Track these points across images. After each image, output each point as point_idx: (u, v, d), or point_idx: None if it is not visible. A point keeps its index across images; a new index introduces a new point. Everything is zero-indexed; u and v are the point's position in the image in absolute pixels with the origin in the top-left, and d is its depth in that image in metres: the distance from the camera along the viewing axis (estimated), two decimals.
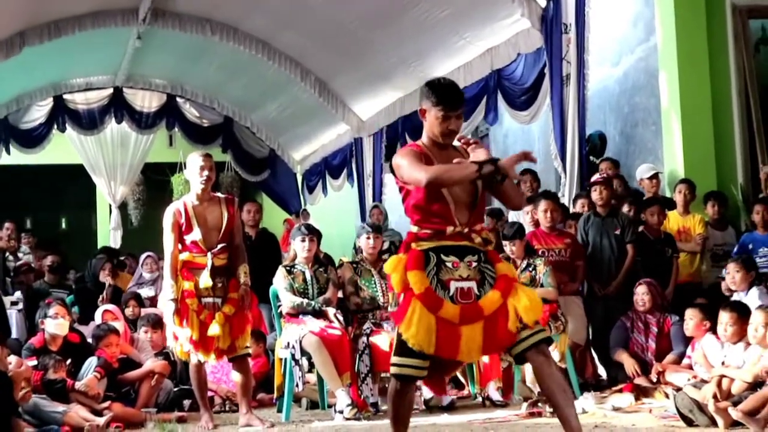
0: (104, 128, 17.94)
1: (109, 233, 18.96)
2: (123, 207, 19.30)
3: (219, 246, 7.34)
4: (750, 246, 9.11)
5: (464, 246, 4.95)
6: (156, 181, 19.79)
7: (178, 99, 17.90)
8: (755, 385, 6.53)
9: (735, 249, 9.24)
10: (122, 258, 13.52)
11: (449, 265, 4.89)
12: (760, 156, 10.22)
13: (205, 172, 7.34)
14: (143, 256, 12.04)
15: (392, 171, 5.13)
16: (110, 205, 19.28)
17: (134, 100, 17.70)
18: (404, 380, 4.93)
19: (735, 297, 7.83)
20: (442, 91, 5.01)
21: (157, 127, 18.22)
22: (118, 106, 17.55)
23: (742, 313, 7.12)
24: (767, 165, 10.01)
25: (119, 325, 9.15)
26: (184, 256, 7.35)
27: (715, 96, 10.25)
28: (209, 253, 7.29)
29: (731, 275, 7.97)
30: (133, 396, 8.36)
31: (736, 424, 6.38)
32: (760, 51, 10.65)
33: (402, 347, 4.84)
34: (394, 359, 4.93)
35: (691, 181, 9.76)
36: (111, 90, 17.47)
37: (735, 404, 6.42)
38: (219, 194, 7.66)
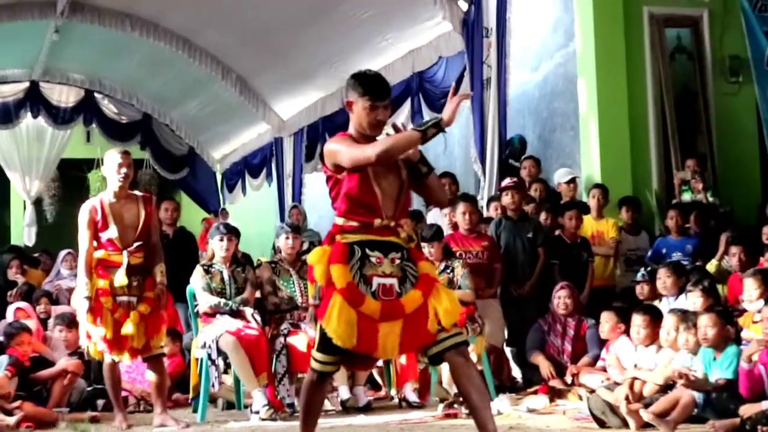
0: (19, 122, 17.56)
1: (23, 230, 18.61)
2: (38, 203, 18.94)
3: (135, 244, 7.23)
4: (663, 250, 9.26)
5: (389, 242, 4.87)
6: (72, 178, 19.43)
7: (96, 94, 17.59)
8: (666, 388, 6.63)
9: (648, 254, 9.38)
10: (36, 255, 13.25)
11: (373, 260, 4.81)
12: (674, 162, 10.39)
13: (123, 170, 7.22)
14: (63, 252, 11.78)
15: (322, 160, 5.11)
16: (25, 201, 18.90)
17: (51, 95, 17.36)
18: (322, 375, 4.91)
19: (665, 302, 7.91)
20: (368, 81, 4.92)
21: (75, 122, 17.89)
22: (34, 100, 17.20)
23: (654, 316, 7.22)
24: (681, 171, 10.18)
25: (32, 323, 8.94)
26: (100, 253, 7.22)
27: (632, 103, 10.37)
28: (125, 252, 7.18)
29: (662, 280, 8.04)
30: (45, 395, 8.16)
31: (647, 425, 6.45)
32: (676, 59, 10.79)
33: (323, 342, 4.77)
34: (315, 354, 4.88)
35: (605, 186, 9.86)
36: (27, 84, 17.12)
37: (646, 406, 6.50)
38: (136, 192, 7.57)
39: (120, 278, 7.14)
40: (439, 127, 4.73)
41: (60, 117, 17.53)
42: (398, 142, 4.77)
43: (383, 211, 4.85)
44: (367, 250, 4.81)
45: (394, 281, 4.82)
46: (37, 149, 18.30)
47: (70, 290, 10.84)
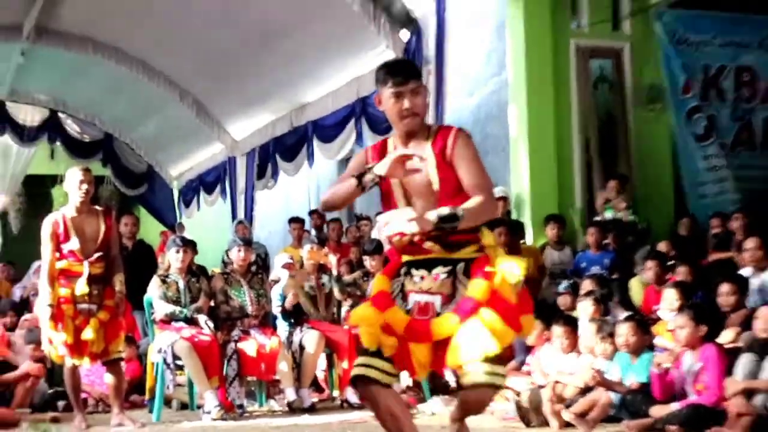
0: None
1: None
2: (3, 216, 18.82)
3: (96, 255, 7.26)
4: (583, 264, 9.38)
5: (432, 259, 4.05)
6: (37, 192, 19.32)
7: (60, 114, 17.43)
8: (585, 390, 6.78)
9: (571, 267, 9.53)
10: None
11: (416, 278, 4.08)
12: (596, 183, 10.54)
13: (84, 186, 7.27)
14: (35, 264, 11.83)
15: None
16: None
17: (17, 114, 17.17)
18: (361, 381, 4.04)
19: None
20: (389, 65, 4.17)
21: (39, 140, 17.75)
22: (0, 119, 17.04)
23: (573, 326, 7.37)
24: (604, 191, 10.33)
25: None
26: (62, 264, 7.25)
27: (558, 128, 10.47)
28: (86, 262, 7.22)
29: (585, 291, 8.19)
30: (8, 397, 8.21)
31: (568, 425, 6.62)
32: (598, 88, 10.93)
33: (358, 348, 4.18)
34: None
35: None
36: None
37: (568, 407, 6.67)
38: (97, 207, 7.60)
39: (81, 287, 7.17)
40: (373, 173, 3.94)
41: (25, 135, 17.35)
42: (337, 191, 4.09)
43: None
44: (413, 269, 4.10)
45: (434, 299, 4.03)
46: (2, 165, 18.21)
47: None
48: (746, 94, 11.45)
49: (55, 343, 7.20)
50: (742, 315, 7.04)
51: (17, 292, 11.58)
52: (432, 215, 3.72)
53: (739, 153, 11.36)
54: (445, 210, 3.73)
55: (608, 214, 10.11)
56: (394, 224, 3.73)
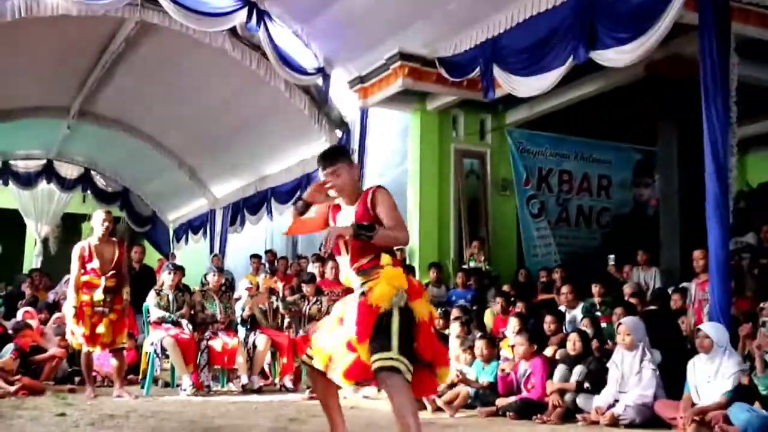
0: (37, 186, 17.06)
1: (33, 259, 17.88)
2: (45, 241, 18.26)
3: (110, 273, 7.00)
4: (453, 298, 9.37)
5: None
6: (71, 225, 18.78)
7: (92, 171, 17.10)
8: (452, 385, 6.69)
9: (445, 299, 9.49)
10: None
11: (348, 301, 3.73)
12: (464, 242, 10.58)
13: (105, 223, 7.07)
14: (65, 277, 11.33)
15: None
16: (36, 239, 18.17)
17: (61, 169, 16.84)
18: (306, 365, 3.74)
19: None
20: (319, 155, 3.89)
21: (75, 189, 17.41)
22: (49, 172, 16.67)
23: (445, 340, 7.25)
24: (469, 248, 10.37)
25: (33, 322, 8.59)
26: (86, 278, 6.98)
27: (440, 204, 10.49)
28: (103, 278, 6.94)
29: (454, 316, 8.07)
30: (38, 372, 7.82)
31: (438, 409, 6.52)
32: (469, 178, 10.94)
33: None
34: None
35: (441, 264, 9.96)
36: (45, 161, 16.55)
37: (439, 396, 6.56)
38: (114, 239, 7.31)
39: (98, 295, 6.92)
40: (302, 199, 3.75)
41: (65, 184, 17.06)
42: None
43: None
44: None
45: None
46: (47, 205, 17.84)
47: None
48: (565, 188, 11.67)
49: (76, 334, 6.95)
50: (560, 338, 7.06)
51: (51, 297, 11.09)
52: (352, 224, 3.57)
53: (560, 228, 11.55)
54: (364, 223, 3.58)
55: (472, 264, 10.15)
56: (331, 237, 3.54)
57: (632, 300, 7.33)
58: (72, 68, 11.85)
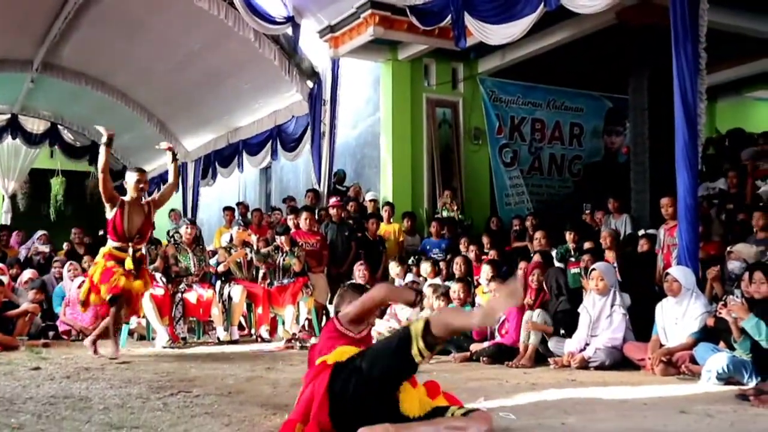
0: (2, 142, 16.61)
1: (1, 215, 17.58)
2: (13, 197, 17.95)
3: (136, 238, 6.46)
4: (427, 247, 9.44)
5: None
6: (39, 181, 18.49)
7: (59, 126, 16.69)
8: None
9: (419, 248, 9.56)
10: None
11: None
12: (438, 190, 10.64)
13: (140, 185, 6.64)
14: (39, 232, 11.41)
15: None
16: (3, 196, 17.83)
17: (26, 124, 16.41)
18: None
19: (428, 281, 8.03)
20: None
21: (42, 144, 16.96)
22: (14, 127, 16.23)
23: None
24: (442, 197, 10.43)
25: (5, 278, 8.48)
26: (114, 245, 6.39)
27: (414, 153, 10.56)
28: (131, 248, 6.39)
29: (424, 268, 8.16)
30: (11, 328, 7.73)
31: None
32: (441, 127, 11.00)
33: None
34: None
35: (392, 203, 10.00)
36: (9, 115, 16.12)
37: None
38: (143, 202, 6.73)
39: (128, 264, 6.34)
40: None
41: (32, 140, 16.63)
42: None
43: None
44: None
45: None
46: (14, 161, 17.41)
47: (41, 253, 10.44)
48: (538, 137, 11.73)
49: (102, 293, 6.29)
50: (525, 279, 7.13)
51: (23, 252, 10.98)
52: None
53: (532, 176, 11.64)
54: None
55: (445, 213, 10.21)
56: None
57: (609, 246, 7.30)
58: (33, 19, 11.53)
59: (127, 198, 6.58)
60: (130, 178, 6.68)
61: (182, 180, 15.38)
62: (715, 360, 4.84)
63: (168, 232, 11.57)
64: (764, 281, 4.90)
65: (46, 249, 10.79)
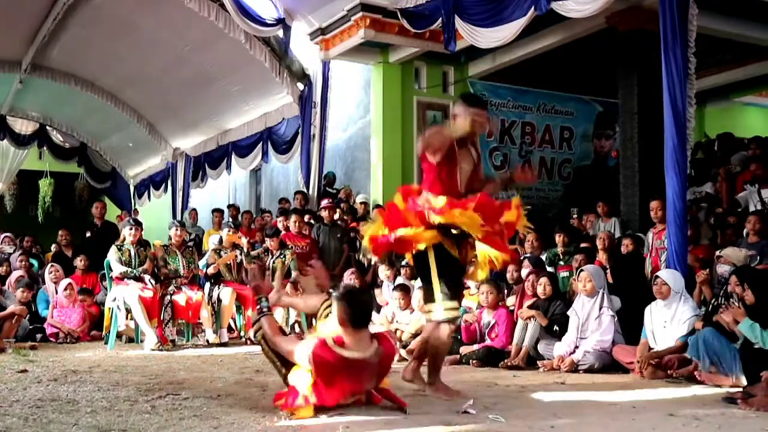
0: None
1: None
2: (1, 199, 17.86)
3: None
4: None
5: None
6: (27, 182, 18.40)
7: (47, 127, 16.57)
8: (416, 335, 6.75)
9: None
10: None
11: None
12: None
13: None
14: (2, 235, 11.11)
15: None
16: None
17: (14, 125, 16.29)
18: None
19: (418, 281, 8.01)
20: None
21: (31, 145, 16.86)
22: (2, 128, 16.07)
23: (407, 291, 7.33)
24: None
25: None
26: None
27: (404, 157, 10.52)
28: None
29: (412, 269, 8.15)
30: None
31: (402, 359, 6.59)
32: None
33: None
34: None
35: (382, 206, 9.90)
36: None
37: (404, 347, 6.64)
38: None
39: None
40: None
41: (20, 141, 16.53)
42: None
43: None
44: None
45: None
46: (1, 162, 17.39)
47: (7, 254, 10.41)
48: (528, 140, 11.75)
49: None
50: (521, 287, 7.15)
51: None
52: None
53: None
54: None
55: None
56: None
57: (602, 250, 7.29)
58: (22, 20, 11.49)
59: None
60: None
61: (172, 182, 15.39)
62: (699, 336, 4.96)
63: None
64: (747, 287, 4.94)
65: (10, 250, 10.67)
